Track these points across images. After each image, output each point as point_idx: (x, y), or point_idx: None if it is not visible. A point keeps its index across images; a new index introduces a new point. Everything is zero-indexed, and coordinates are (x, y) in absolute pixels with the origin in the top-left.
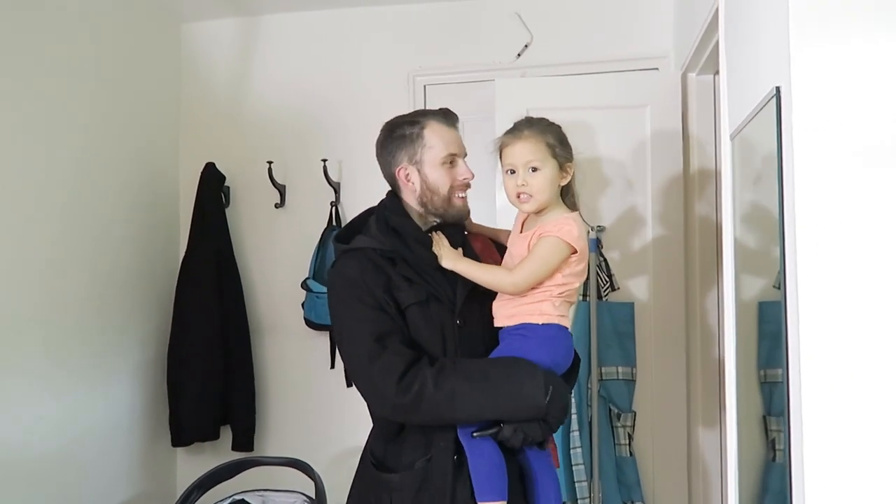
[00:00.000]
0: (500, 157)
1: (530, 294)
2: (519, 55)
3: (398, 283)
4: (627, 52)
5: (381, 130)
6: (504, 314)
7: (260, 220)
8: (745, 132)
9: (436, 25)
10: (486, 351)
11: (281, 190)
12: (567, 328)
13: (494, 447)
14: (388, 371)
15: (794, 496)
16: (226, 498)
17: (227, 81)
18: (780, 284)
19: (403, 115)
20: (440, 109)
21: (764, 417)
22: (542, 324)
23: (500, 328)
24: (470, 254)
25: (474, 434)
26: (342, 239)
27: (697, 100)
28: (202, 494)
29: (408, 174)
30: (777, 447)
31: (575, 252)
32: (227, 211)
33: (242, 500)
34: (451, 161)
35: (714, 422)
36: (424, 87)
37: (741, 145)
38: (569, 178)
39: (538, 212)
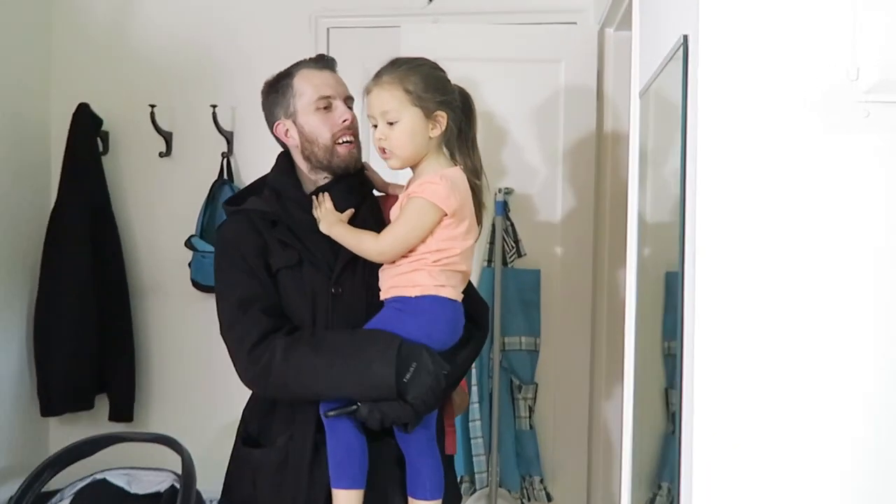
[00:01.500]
0: None
1: (404, 262)
2: (431, 0)
3: (273, 246)
4: (546, 4)
5: (261, 92)
6: (385, 286)
7: (142, 169)
8: (653, 89)
9: None
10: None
11: (167, 137)
12: (450, 299)
13: (352, 428)
14: (242, 339)
15: (683, 469)
16: (86, 477)
17: (107, 12)
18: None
19: (279, 71)
20: (315, 56)
21: (666, 390)
22: (416, 296)
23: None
24: (368, 215)
25: (328, 413)
26: (233, 202)
27: (615, 57)
28: (56, 473)
29: (287, 130)
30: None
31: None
32: (105, 159)
33: (104, 479)
34: (326, 105)
35: (617, 395)
36: (328, 29)
37: (648, 103)
38: (441, 129)
39: (414, 168)
